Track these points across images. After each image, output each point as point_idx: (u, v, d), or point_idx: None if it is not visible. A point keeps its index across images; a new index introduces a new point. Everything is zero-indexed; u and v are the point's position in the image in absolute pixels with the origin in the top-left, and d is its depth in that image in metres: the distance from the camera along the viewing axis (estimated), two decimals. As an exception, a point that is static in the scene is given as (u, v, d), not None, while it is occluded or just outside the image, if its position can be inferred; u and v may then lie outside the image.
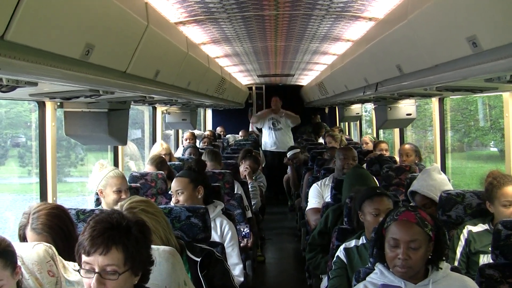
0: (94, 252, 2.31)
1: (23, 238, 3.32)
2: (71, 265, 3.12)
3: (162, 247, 2.83)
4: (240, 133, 13.86)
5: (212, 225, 4.16)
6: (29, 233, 3.27)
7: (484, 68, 2.89)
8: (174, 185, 4.44)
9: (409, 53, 4.00)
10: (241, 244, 5.19)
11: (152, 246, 2.60)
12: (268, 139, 12.32)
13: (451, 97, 6.59)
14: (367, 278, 3.01)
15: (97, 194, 4.63)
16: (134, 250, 2.38)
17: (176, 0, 4.18)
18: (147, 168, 6.30)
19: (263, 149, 12.34)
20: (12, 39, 2.20)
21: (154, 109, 8.43)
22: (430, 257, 2.90)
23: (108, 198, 4.51)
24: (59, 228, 3.31)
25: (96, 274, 2.30)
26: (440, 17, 3.13)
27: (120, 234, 2.37)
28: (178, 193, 4.39)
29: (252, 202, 7.01)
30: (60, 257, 3.02)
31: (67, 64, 2.79)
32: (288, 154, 9.75)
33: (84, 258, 2.33)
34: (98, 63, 3.17)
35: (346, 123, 14.20)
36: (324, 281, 4.61)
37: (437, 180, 4.66)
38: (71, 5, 2.57)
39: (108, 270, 2.31)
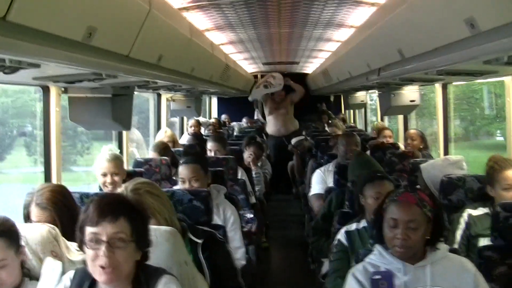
0: (102, 221, 2.34)
1: (27, 218, 3.37)
2: (74, 246, 3.15)
3: (163, 228, 2.85)
4: (244, 119, 13.85)
5: (214, 210, 4.20)
6: (33, 210, 3.32)
7: (482, 50, 2.90)
8: (187, 171, 4.43)
9: (409, 37, 4.01)
10: (244, 229, 5.21)
11: (153, 227, 2.64)
12: (270, 124, 12.23)
13: (454, 83, 6.58)
14: (366, 259, 3.03)
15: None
16: (140, 224, 2.43)
17: (179, -15, 4.21)
18: (151, 154, 6.35)
19: (268, 133, 12.21)
20: (14, 19, 2.22)
21: (159, 96, 8.46)
22: (428, 238, 2.92)
23: (99, 181, 4.61)
24: (63, 204, 3.37)
25: (105, 243, 2.32)
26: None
27: (126, 206, 2.43)
28: (193, 180, 4.40)
29: (256, 189, 7.03)
30: (63, 238, 3.07)
31: (69, 46, 2.81)
32: (293, 141, 9.78)
33: (90, 229, 2.35)
34: (101, 46, 3.19)
35: (351, 111, 14.20)
36: (325, 265, 4.64)
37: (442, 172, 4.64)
38: (73, -13, 2.60)
39: (116, 237, 2.34)
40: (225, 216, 4.49)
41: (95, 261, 2.34)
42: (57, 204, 3.33)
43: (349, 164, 5.20)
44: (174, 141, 7.50)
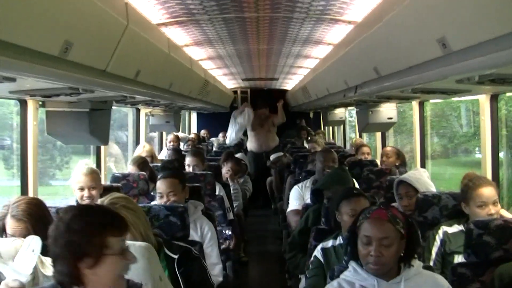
0: None
1: (2, 230, 3.35)
2: (49, 261, 3.14)
3: (138, 243, 2.86)
4: (220, 134, 13.82)
5: (191, 226, 4.20)
6: (9, 221, 3.31)
7: (453, 69, 2.94)
8: (165, 186, 4.43)
9: (385, 56, 4.05)
10: (222, 246, 5.21)
11: (129, 242, 2.61)
12: (252, 140, 12.15)
13: (431, 101, 6.66)
14: (341, 276, 3.04)
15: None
16: None
17: (157, 1, 4.22)
18: (129, 168, 6.33)
19: (249, 149, 12.14)
20: (-11, 34, 2.22)
21: (138, 110, 8.44)
22: (402, 254, 2.93)
23: (76, 195, 4.60)
24: (39, 216, 3.37)
25: None
26: (412, 18, 3.19)
27: None
28: (171, 195, 4.40)
29: (234, 204, 7.03)
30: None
31: (46, 60, 2.81)
32: (272, 157, 9.79)
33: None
34: (77, 61, 3.19)
35: (330, 128, 14.26)
36: (303, 281, 4.63)
37: (423, 178, 4.78)
38: (49, 1, 2.60)
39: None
40: (202, 232, 4.48)
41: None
42: (32, 216, 3.33)
43: (325, 176, 5.24)
44: (153, 156, 7.49)
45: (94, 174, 4.71)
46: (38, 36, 2.66)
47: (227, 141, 11.77)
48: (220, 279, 4.43)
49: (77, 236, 2.25)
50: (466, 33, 2.68)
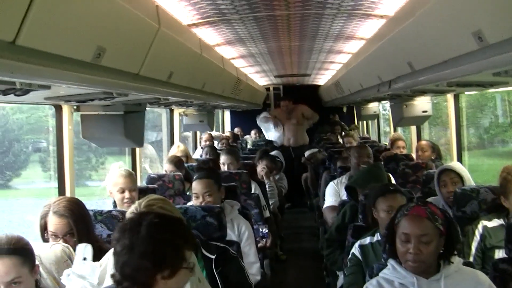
0: None
1: (43, 229, 3.41)
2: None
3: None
4: (252, 132, 13.84)
5: (229, 225, 4.20)
6: (51, 219, 3.37)
7: (490, 62, 2.89)
8: (200, 187, 4.45)
9: (419, 50, 4.01)
10: (259, 244, 5.21)
11: None
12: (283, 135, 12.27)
13: (466, 93, 6.57)
14: (380, 274, 3.03)
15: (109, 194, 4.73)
16: None
17: (188, 2, 4.22)
18: (166, 167, 6.36)
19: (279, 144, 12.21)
20: (23, 43, 2.24)
21: (171, 111, 8.49)
22: (441, 251, 2.91)
23: (115, 198, 4.60)
24: (79, 214, 3.43)
25: None
26: (446, 12, 3.14)
27: None
28: (206, 195, 4.42)
29: (270, 202, 7.03)
30: (77, 257, 3.09)
31: (79, 67, 2.83)
32: (306, 154, 9.76)
33: None
34: (110, 66, 3.20)
35: (364, 122, 14.17)
36: (341, 278, 4.62)
37: (465, 169, 4.82)
38: (81, 8, 2.61)
39: None
40: (240, 231, 4.49)
41: None
42: (74, 212, 3.39)
43: (357, 174, 5.22)
44: (187, 156, 7.52)
45: (132, 176, 4.74)
46: (71, 43, 2.68)
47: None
48: (258, 277, 4.42)
49: (162, 247, 2.22)
50: (502, 25, 2.63)
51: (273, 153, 9.23)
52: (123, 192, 4.59)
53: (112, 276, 2.28)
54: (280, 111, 12.41)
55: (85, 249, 2.88)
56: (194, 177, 4.62)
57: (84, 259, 2.86)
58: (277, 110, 12.90)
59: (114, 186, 4.62)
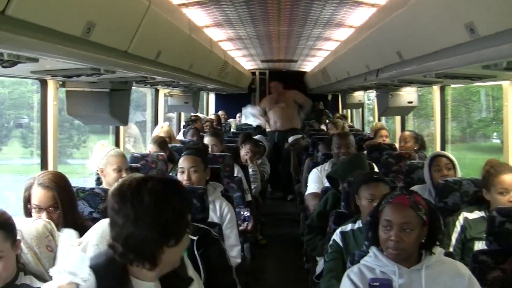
0: None
1: (27, 201, 3.38)
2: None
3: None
4: (238, 115, 13.76)
5: (211, 207, 4.20)
6: (35, 191, 3.34)
7: (481, 55, 2.90)
8: (186, 162, 4.43)
9: (409, 40, 4.01)
10: (241, 228, 5.21)
11: None
12: (270, 118, 11.82)
13: (452, 86, 6.59)
14: (361, 261, 3.03)
15: (97, 173, 4.66)
16: None
17: (179, -18, 4.20)
18: (150, 147, 6.33)
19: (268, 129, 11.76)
20: (13, 14, 2.21)
21: (157, 91, 8.44)
22: (423, 241, 2.91)
23: (108, 177, 4.54)
24: (64, 187, 3.40)
25: None
26: (439, 3, 3.14)
27: None
28: (192, 171, 4.40)
29: (253, 186, 7.03)
30: (59, 233, 3.06)
31: (68, 41, 2.80)
32: (290, 140, 9.75)
33: None
34: (99, 42, 3.18)
35: (349, 111, 14.18)
36: (320, 264, 4.64)
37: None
38: (72, -18, 2.59)
39: None
40: (222, 213, 4.49)
41: None
42: (59, 185, 3.37)
43: (338, 165, 5.23)
44: (171, 137, 7.49)
45: (125, 156, 4.72)
46: (61, 17, 2.65)
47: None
48: (239, 260, 4.42)
49: (170, 215, 2.13)
50: (495, 18, 2.64)
51: (256, 137, 9.15)
52: (120, 171, 4.54)
53: (112, 247, 2.18)
54: (268, 99, 12.08)
55: (70, 236, 2.85)
56: (183, 153, 4.60)
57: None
58: (265, 99, 12.42)
59: (110, 165, 4.55)
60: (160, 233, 2.11)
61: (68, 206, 3.37)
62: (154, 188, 2.16)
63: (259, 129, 11.21)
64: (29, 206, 3.38)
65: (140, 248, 2.12)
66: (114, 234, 2.16)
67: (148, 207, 2.11)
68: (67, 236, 2.68)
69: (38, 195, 3.33)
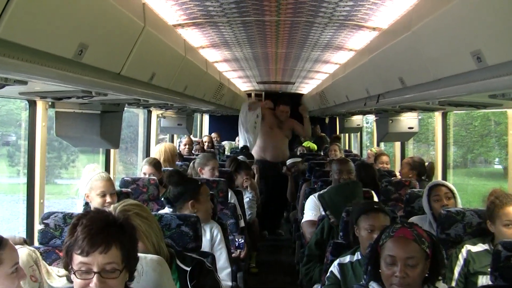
0: (93, 252, 2.24)
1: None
2: (55, 271, 3.05)
3: (149, 256, 2.78)
4: (237, 138, 13.57)
5: (202, 231, 4.10)
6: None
7: (488, 84, 2.83)
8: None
9: (412, 66, 3.94)
10: (233, 255, 5.10)
11: (140, 255, 2.55)
12: (259, 142, 10.37)
13: (454, 112, 6.51)
14: (361, 297, 2.93)
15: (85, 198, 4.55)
16: (130, 247, 2.36)
17: (175, 2, 4.12)
18: (144, 169, 6.16)
19: (256, 158, 10.17)
20: (2, 36, 2.14)
21: (149, 112, 8.30)
22: (427, 275, 2.81)
23: (94, 201, 4.43)
24: None
25: (96, 275, 2.23)
26: (445, 30, 3.08)
27: (117, 231, 2.33)
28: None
29: (249, 212, 6.88)
30: (44, 262, 2.96)
31: (59, 63, 2.72)
32: (288, 163, 9.47)
33: (80, 258, 2.25)
34: (92, 64, 3.10)
35: (347, 135, 14.07)
36: (316, 293, 4.52)
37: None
38: (65, 2, 2.50)
39: (108, 269, 2.25)
40: (212, 234, 4.44)
41: None
42: None
43: (329, 190, 5.10)
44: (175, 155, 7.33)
45: (111, 179, 4.60)
46: (53, 39, 2.57)
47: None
48: (229, 283, 4.34)
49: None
50: (503, 47, 2.57)
51: (240, 157, 8.55)
52: (104, 196, 4.42)
53: None
54: (268, 113, 10.28)
55: None
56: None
57: None
58: (265, 109, 10.32)
59: (94, 190, 4.44)
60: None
61: None
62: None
63: (246, 150, 10.24)
64: None
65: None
66: None
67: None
68: None
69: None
